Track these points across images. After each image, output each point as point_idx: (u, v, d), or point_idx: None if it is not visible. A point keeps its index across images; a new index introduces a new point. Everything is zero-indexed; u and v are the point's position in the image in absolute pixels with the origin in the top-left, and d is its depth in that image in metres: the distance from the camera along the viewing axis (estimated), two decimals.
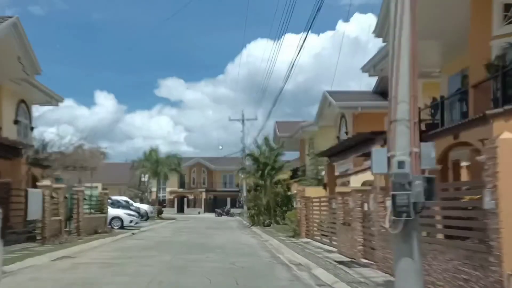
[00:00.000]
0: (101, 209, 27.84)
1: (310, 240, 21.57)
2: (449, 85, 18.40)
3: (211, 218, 55.71)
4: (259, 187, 38.77)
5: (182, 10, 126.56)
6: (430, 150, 7.26)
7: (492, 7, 14.70)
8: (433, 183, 7.14)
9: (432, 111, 17.16)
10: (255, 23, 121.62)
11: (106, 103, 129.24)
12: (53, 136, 25.11)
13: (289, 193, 36.91)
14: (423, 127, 14.42)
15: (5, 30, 20.26)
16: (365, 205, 13.76)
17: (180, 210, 76.22)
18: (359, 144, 17.21)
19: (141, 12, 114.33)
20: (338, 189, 22.15)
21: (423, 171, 7.36)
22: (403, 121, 7.33)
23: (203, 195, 78.43)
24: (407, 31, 7.47)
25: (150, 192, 63.17)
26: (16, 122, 24.68)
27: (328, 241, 18.93)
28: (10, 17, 21.20)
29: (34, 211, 18.27)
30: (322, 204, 20.47)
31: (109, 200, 31.56)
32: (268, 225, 33.92)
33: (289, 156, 49.22)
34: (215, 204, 75.26)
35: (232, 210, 64.35)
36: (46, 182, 19.88)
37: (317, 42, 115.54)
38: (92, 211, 26.90)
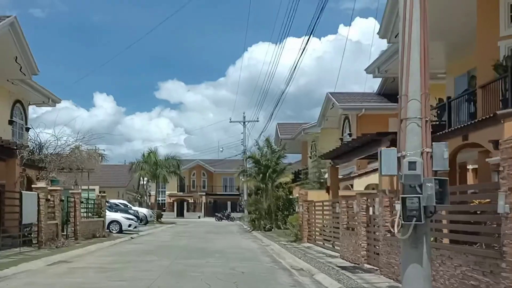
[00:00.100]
0: (99, 213, 27.43)
1: (312, 245, 21.17)
2: (456, 86, 18.05)
3: (211, 222, 55.27)
4: (260, 191, 38.37)
5: (182, 12, 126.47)
6: (443, 150, 6.88)
7: (499, 8, 14.42)
8: (446, 186, 6.77)
9: (438, 112, 16.80)
10: (256, 27, 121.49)
11: (105, 105, 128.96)
12: (49, 137, 24.59)
13: (290, 196, 36.50)
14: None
15: (2, 30, 19.94)
16: (370, 209, 13.38)
17: (180, 214, 75.69)
18: (364, 146, 16.83)
19: (141, 14, 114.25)
20: (341, 192, 21.73)
21: (435, 173, 6.97)
22: (414, 119, 6.96)
23: (203, 199, 77.89)
24: (418, 25, 7.11)
25: (149, 195, 62.72)
26: (11, 122, 24.32)
27: (330, 246, 18.54)
28: (8, 16, 20.87)
29: (29, 214, 17.86)
30: (325, 208, 20.09)
31: (107, 204, 31.14)
32: (269, 230, 33.52)
33: (291, 158, 48.88)
34: (215, 208, 74.78)
35: (233, 214, 63.85)
36: (42, 184, 19.46)
37: (318, 46, 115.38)
38: (90, 214, 26.48)
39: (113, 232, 29.09)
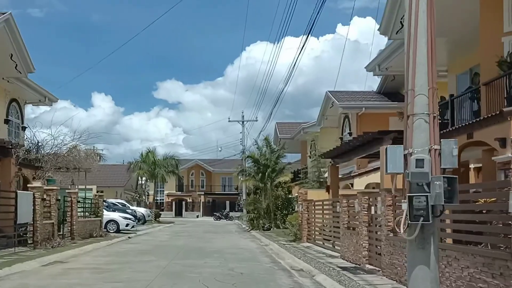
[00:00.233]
0: (96, 212, 27.12)
1: (312, 244, 20.89)
2: (458, 84, 17.80)
3: (209, 222, 54.98)
4: (259, 190, 38.08)
5: (181, 11, 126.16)
6: (452, 148, 6.57)
7: (503, 3, 14.17)
8: (455, 184, 6.47)
9: (440, 110, 16.50)
10: (254, 26, 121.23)
11: (103, 105, 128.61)
12: (46, 136, 24.28)
13: (290, 196, 36.23)
14: None
15: None
16: (372, 208, 13.09)
17: (178, 213, 75.36)
18: (365, 144, 16.52)
19: (141, 14, 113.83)
20: (341, 192, 21.47)
21: (443, 171, 6.68)
22: (421, 115, 6.66)
23: (202, 198, 77.51)
24: (424, 17, 6.81)
25: (148, 195, 62.38)
26: (6, 121, 24.00)
27: (330, 245, 18.26)
28: (3, 13, 20.53)
29: (24, 214, 17.55)
30: (325, 207, 19.80)
31: (105, 203, 30.83)
32: (268, 229, 33.26)
33: (290, 158, 48.61)
34: (214, 208, 74.46)
35: (231, 214, 63.51)
36: (37, 183, 19.14)
37: (316, 45, 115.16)
38: (87, 214, 26.17)
39: (111, 231, 28.79)
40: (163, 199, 75.79)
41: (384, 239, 11.67)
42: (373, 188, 23.68)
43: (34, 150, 23.58)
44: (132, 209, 39.53)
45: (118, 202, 41.21)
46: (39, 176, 22.73)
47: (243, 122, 58.82)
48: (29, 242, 18.41)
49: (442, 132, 13.18)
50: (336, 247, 17.25)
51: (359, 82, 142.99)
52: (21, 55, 21.72)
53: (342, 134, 30.39)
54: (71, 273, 12.62)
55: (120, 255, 17.37)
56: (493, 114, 11.23)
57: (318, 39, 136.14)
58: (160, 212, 56.70)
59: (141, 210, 44.02)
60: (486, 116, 11.72)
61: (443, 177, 6.42)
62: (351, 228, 15.09)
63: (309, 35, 19.73)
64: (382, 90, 28.94)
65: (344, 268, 13.19)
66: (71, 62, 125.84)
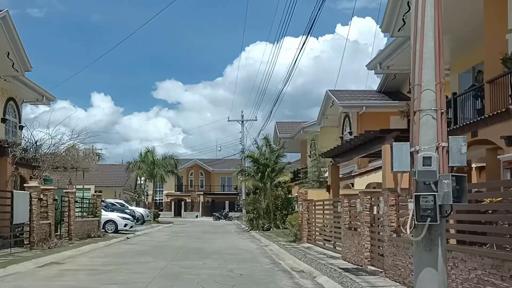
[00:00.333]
0: (94, 212, 26.85)
1: (312, 245, 20.62)
2: (460, 82, 17.54)
3: (208, 222, 54.71)
4: (258, 190, 37.83)
5: (180, 11, 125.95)
6: (460, 145, 6.30)
7: (507, 0, 13.91)
8: (464, 183, 6.21)
9: None
10: (254, 26, 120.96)
11: (103, 105, 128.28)
12: (43, 136, 23.99)
13: (289, 196, 35.98)
14: None
15: None
16: (375, 208, 12.82)
17: (177, 213, 75.07)
18: (367, 143, 16.26)
19: (140, 14, 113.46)
20: (341, 191, 21.23)
21: (451, 169, 6.41)
22: (428, 111, 6.40)
23: (201, 198, 77.21)
24: (431, 8, 6.56)
25: (147, 195, 62.10)
26: (3, 120, 23.71)
27: (331, 246, 17.99)
28: (0, 10, 20.24)
29: (20, 214, 17.28)
30: (326, 207, 19.53)
31: (103, 203, 30.56)
32: (268, 229, 33.00)
33: (290, 157, 48.37)
34: (213, 208, 74.18)
35: (231, 214, 63.23)
36: (34, 183, 18.86)
37: (316, 45, 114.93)
38: (85, 214, 25.89)
39: (109, 232, 28.53)
40: (162, 199, 75.49)
41: (387, 240, 11.40)
42: (374, 188, 23.44)
43: (32, 150, 23.32)
44: (130, 209, 39.26)
45: (116, 202, 40.96)
46: (36, 176, 22.47)
47: (242, 121, 58.54)
48: (25, 242, 18.16)
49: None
50: (337, 247, 16.99)
51: (358, 83, 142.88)
52: (18, 53, 21.42)
53: (342, 134, 30.14)
54: (66, 275, 12.35)
55: (117, 256, 17.10)
56: (499, 111, 10.97)
57: (317, 39, 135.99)
58: (159, 212, 56.44)
59: (140, 210, 43.77)
60: (491, 114, 11.48)
61: (452, 175, 6.15)
62: (353, 229, 14.84)
63: (309, 35, 19.48)
64: (383, 89, 28.68)
65: (345, 270, 12.93)
66: (71, 62, 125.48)
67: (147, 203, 58.94)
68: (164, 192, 74.63)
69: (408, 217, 6.50)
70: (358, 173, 26.04)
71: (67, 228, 22.37)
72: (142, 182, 60.49)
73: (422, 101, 6.45)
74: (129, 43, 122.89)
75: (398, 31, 16.36)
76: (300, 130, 37.90)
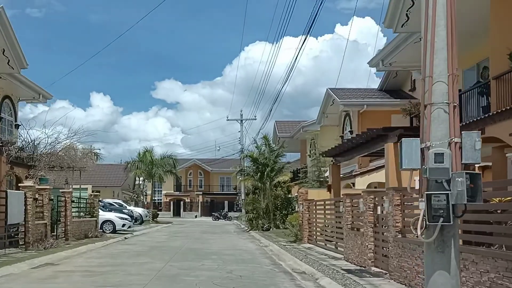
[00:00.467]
0: (92, 212, 26.45)
1: (313, 245, 20.25)
2: (464, 80, 17.16)
3: (208, 222, 54.34)
4: (258, 190, 37.46)
5: (179, 11, 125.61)
6: (475, 141, 5.93)
7: None
8: (479, 181, 5.84)
9: None
10: (253, 26, 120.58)
11: (102, 104, 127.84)
12: (40, 134, 23.63)
13: (289, 195, 35.61)
14: None
15: None
16: (378, 208, 12.44)
17: (176, 213, 74.72)
18: (369, 142, 15.85)
19: (140, 14, 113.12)
20: (342, 191, 20.85)
21: (464, 166, 6.04)
22: (440, 105, 6.02)
23: (200, 198, 76.81)
24: None
25: (145, 195, 61.70)
26: None
27: (333, 247, 17.62)
28: None
29: (15, 214, 16.88)
30: (327, 207, 19.15)
31: (101, 203, 30.16)
32: (267, 229, 32.62)
33: (290, 157, 47.98)
34: (212, 208, 73.86)
35: (230, 214, 62.85)
36: (29, 182, 18.47)
37: (315, 45, 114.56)
38: (82, 214, 25.51)
39: (107, 232, 28.14)
40: (161, 199, 75.10)
41: (391, 241, 11.03)
42: (375, 187, 23.10)
43: (31, 149, 22.96)
44: (129, 209, 38.86)
45: (115, 202, 40.61)
46: (32, 175, 22.11)
47: (241, 120, 58.16)
48: (20, 243, 17.80)
49: None
50: (339, 248, 16.62)
51: (358, 83, 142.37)
52: (14, 50, 21.05)
53: (342, 133, 29.76)
54: (60, 276, 11.97)
55: (114, 256, 16.72)
56: (508, 108, 10.60)
57: (317, 39, 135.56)
58: (158, 212, 56.07)
59: (138, 210, 43.39)
60: (499, 111, 11.11)
61: (465, 173, 5.78)
62: (355, 229, 14.47)
63: (308, 34, 19.10)
64: (384, 87, 28.30)
65: (348, 271, 12.56)
66: (71, 62, 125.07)
67: (145, 203, 58.51)
68: (163, 192, 74.25)
69: (418, 217, 6.14)
70: (359, 172, 25.68)
71: (63, 229, 21.98)
72: (140, 182, 60.04)
73: (433, 94, 6.08)
74: (128, 43, 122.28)
75: (402, 26, 15.97)
76: (299, 129, 37.50)
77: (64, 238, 21.58)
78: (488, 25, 14.18)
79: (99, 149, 30.51)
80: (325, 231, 19.41)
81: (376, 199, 12.64)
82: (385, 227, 12.00)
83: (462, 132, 6.03)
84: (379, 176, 22.58)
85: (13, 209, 16.79)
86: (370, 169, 24.08)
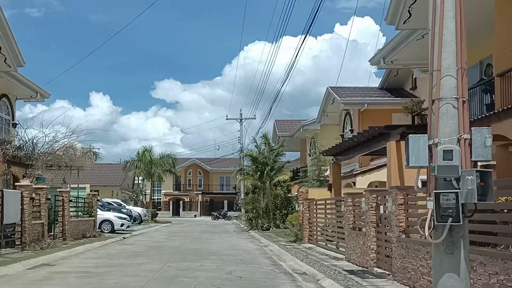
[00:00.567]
0: (90, 212, 26.17)
1: (314, 245, 19.98)
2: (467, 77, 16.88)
3: (207, 221, 54.06)
4: (257, 189, 37.19)
5: (179, 11, 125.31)
6: (485, 137, 5.67)
7: None
8: (490, 179, 5.57)
9: None
10: (253, 26, 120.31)
11: (101, 104, 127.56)
12: (37, 133, 23.35)
13: (289, 195, 35.34)
14: None
15: None
16: (381, 207, 12.17)
17: (176, 213, 74.43)
18: (370, 140, 15.60)
19: (138, 14, 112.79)
20: (343, 190, 20.60)
21: (474, 164, 5.78)
22: (449, 100, 5.76)
23: (199, 198, 76.49)
24: None
25: (145, 194, 61.43)
26: None
27: (334, 247, 17.36)
28: None
29: (11, 214, 16.61)
30: (328, 206, 18.88)
31: (99, 202, 29.88)
32: (267, 229, 32.36)
33: (289, 156, 47.66)
34: (212, 207, 73.60)
35: (229, 213, 62.56)
36: (26, 182, 18.20)
37: (315, 45, 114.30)
38: (80, 213, 25.23)
39: (105, 232, 27.86)
40: (160, 199, 74.84)
41: (395, 241, 10.76)
42: (376, 186, 22.86)
43: (26, 148, 22.68)
44: (127, 209, 38.60)
45: (113, 202, 40.32)
46: (30, 174, 21.85)
47: (241, 120, 57.88)
48: (17, 243, 17.51)
49: None
50: (340, 248, 16.35)
51: (357, 83, 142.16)
52: (10, 48, 20.76)
53: (343, 131, 29.49)
54: (56, 278, 11.70)
55: (111, 257, 16.45)
56: None
57: (316, 38, 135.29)
58: (157, 212, 55.79)
59: (137, 210, 43.14)
60: (505, 108, 10.85)
61: (476, 170, 5.52)
62: (357, 229, 14.21)
63: (308, 34, 18.85)
64: (385, 86, 28.04)
65: (350, 272, 12.30)
66: (70, 62, 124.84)
67: (145, 202, 58.27)
68: (162, 191, 73.97)
69: (426, 217, 5.88)
70: (359, 171, 25.42)
71: (61, 228, 21.72)
72: (139, 181, 59.77)
73: (441, 88, 5.82)
74: (128, 43, 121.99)
75: (404, 23, 15.69)
76: (299, 128, 37.24)
77: (61, 238, 21.33)
78: (491, 22, 13.94)
79: (98, 148, 30.26)
80: (326, 230, 19.15)
81: (379, 198, 12.37)
82: (388, 227, 11.74)
83: (472, 128, 5.77)
84: (380, 175, 22.34)
85: (9, 208, 16.52)
86: (370, 168, 23.83)
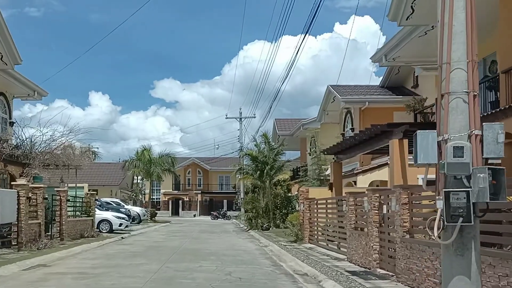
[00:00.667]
0: (88, 212, 25.88)
1: (314, 245, 19.71)
2: None
3: (206, 221, 53.79)
4: (257, 189, 36.93)
5: (178, 10, 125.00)
6: (497, 133, 5.39)
7: None
8: (502, 177, 5.31)
9: None
10: (252, 25, 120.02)
11: (100, 103, 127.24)
12: (34, 132, 23.08)
13: (289, 194, 35.06)
14: None
15: None
16: (384, 207, 11.90)
17: (175, 212, 74.12)
18: (372, 139, 15.33)
19: (139, 14, 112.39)
20: (344, 189, 20.33)
21: (485, 161, 5.51)
22: (459, 94, 5.48)
23: (199, 197, 76.19)
24: None
25: (144, 193, 61.15)
26: None
27: (335, 247, 17.09)
28: None
29: (7, 214, 16.36)
30: (329, 206, 18.61)
31: (97, 202, 29.59)
32: (267, 229, 32.09)
33: (289, 155, 47.35)
34: (211, 207, 73.31)
35: (229, 213, 62.30)
36: (22, 181, 17.93)
37: (314, 44, 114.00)
38: (78, 213, 24.96)
39: (103, 231, 27.58)
40: (159, 198, 74.55)
41: (399, 241, 10.49)
42: (377, 185, 22.57)
43: (27, 147, 22.43)
44: (126, 208, 38.33)
45: (112, 201, 40.06)
46: (27, 174, 21.58)
47: (240, 119, 57.63)
48: (13, 243, 17.28)
49: None
50: (341, 248, 16.08)
51: (357, 82, 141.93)
52: (7, 45, 20.45)
53: (343, 130, 29.19)
54: (51, 279, 11.42)
55: (109, 257, 16.17)
56: None
57: (315, 38, 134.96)
58: (156, 211, 55.53)
59: (136, 209, 42.86)
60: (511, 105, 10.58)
61: (488, 168, 5.25)
62: (359, 229, 13.94)
63: (307, 33, 18.59)
64: (386, 84, 27.77)
65: (353, 273, 12.03)
66: (69, 61, 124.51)
67: (144, 202, 57.99)
68: (161, 191, 73.69)
69: (434, 218, 5.61)
70: (360, 170, 25.15)
71: (58, 228, 21.45)
72: (139, 181, 59.50)
73: (451, 82, 5.54)
74: (127, 42, 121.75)
75: (406, 19, 15.38)
76: (300, 127, 36.95)
77: (59, 238, 21.06)
78: (495, 19, 13.67)
79: (97, 148, 30.00)
80: (327, 230, 18.88)
81: (382, 197, 12.10)
82: (391, 227, 11.47)
83: (483, 123, 5.50)
84: (381, 174, 22.09)
85: (5, 208, 16.25)
86: (372, 167, 23.56)
